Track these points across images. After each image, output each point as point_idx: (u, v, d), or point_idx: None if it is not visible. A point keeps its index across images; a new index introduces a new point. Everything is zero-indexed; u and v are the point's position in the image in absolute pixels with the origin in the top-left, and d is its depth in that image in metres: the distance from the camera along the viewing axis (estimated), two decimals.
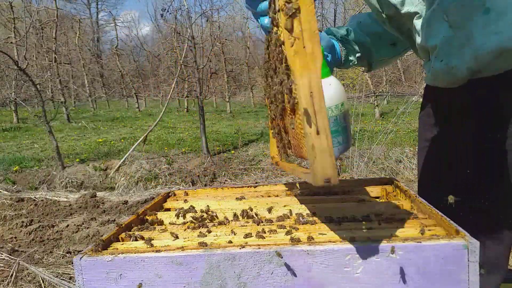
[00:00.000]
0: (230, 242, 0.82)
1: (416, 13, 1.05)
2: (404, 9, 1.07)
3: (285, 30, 0.62)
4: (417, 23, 1.06)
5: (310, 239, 0.79)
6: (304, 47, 0.62)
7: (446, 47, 1.01)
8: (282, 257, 0.73)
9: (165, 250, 0.77)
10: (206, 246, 0.79)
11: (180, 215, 1.04)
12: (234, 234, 0.87)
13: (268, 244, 0.77)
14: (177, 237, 0.86)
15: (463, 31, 0.96)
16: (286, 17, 0.62)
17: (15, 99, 10.58)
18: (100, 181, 5.69)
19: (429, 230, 0.82)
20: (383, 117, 10.72)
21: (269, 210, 1.05)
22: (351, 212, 0.99)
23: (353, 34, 1.28)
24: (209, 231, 0.90)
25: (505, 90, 0.98)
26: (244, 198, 1.18)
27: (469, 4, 0.93)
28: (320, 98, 0.61)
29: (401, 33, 1.18)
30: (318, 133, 0.60)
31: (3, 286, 2.74)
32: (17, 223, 3.89)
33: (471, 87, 1.02)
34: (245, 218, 1.01)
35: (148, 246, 0.82)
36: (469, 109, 1.07)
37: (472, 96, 1.05)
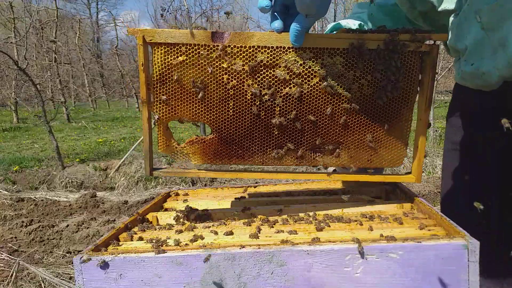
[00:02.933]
0: (229, 242, 0.82)
1: (454, 10, 0.99)
2: (442, 6, 1.02)
3: None
4: (453, 21, 1.00)
5: (310, 239, 0.79)
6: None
7: (477, 50, 0.94)
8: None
9: (165, 250, 0.77)
10: (206, 246, 0.79)
11: (180, 215, 1.04)
12: (234, 234, 0.87)
13: (268, 244, 0.77)
14: (177, 237, 0.86)
15: (497, 34, 0.88)
16: None
17: (15, 99, 10.58)
18: (100, 181, 5.69)
19: (429, 230, 0.82)
20: None
21: (269, 209, 1.05)
22: (351, 212, 0.99)
23: (365, 28, 1.24)
24: (209, 231, 0.89)
25: None
26: (244, 198, 1.18)
27: (506, 5, 0.85)
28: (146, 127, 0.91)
29: (435, 28, 1.12)
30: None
31: (3, 286, 2.74)
32: (17, 223, 3.89)
33: (504, 90, 0.94)
34: (245, 218, 1.01)
35: (148, 246, 0.82)
36: (502, 112, 0.98)
37: (504, 99, 0.97)
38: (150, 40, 0.88)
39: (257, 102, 0.91)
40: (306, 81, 0.89)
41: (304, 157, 0.96)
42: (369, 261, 0.73)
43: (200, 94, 0.90)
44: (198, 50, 0.88)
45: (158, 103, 0.93)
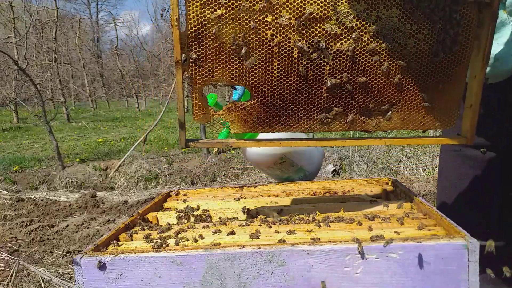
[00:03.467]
0: (229, 242, 0.82)
1: None
2: None
3: None
4: None
5: (310, 239, 0.79)
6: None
7: (495, 35, 0.88)
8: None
9: (165, 250, 0.77)
10: (206, 246, 0.79)
11: (180, 215, 1.04)
12: (234, 234, 0.87)
13: (268, 244, 0.77)
14: (177, 237, 0.86)
15: None
16: None
17: (15, 99, 10.58)
18: (100, 181, 5.68)
19: (429, 230, 0.82)
20: None
21: (270, 209, 1.05)
22: (351, 212, 0.99)
23: None
24: (209, 231, 0.89)
25: None
26: (244, 198, 1.18)
27: None
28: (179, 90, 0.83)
29: None
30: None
31: (3, 286, 2.74)
32: (17, 223, 3.89)
33: (508, 83, 0.93)
34: (245, 218, 1.01)
35: (148, 246, 0.82)
36: (504, 107, 0.98)
37: (505, 92, 0.96)
38: None
39: (304, 61, 0.83)
40: (359, 35, 0.82)
41: (354, 121, 0.89)
42: (369, 261, 0.73)
43: (243, 51, 0.81)
44: (239, 2, 0.79)
45: (193, 64, 0.84)
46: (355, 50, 0.82)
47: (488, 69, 0.94)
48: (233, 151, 7.11)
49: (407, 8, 0.81)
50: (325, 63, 0.83)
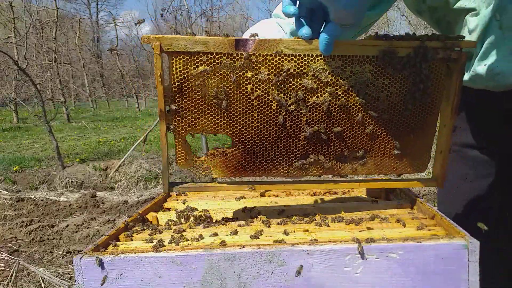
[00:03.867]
0: (229, 242, 0.82)
1: (472, 9, 0.96)
2: (458, 4, 0.98)
3: None
4: (471, 20, 0.96)
5: (310, 239, 0.79)
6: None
7: (492, 50, 0.93)
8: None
9: (165, 250, 0.77)
10: (206, 246, 0.79)
11: (180, 215, 1.04)
12: (235, 234, 0.87)
13: (268, 244, 0.77)
14: (177, 237, 0.86)
15: None
16: None
17: (15, 99, 10.58)
18: (100, 181, 5.69)
19: (429, 230, 0.82)
20: None
21: (270, 209, 1.05)
22: (351, 212, 0.99)
23: None
24: (209, 231, 0.89)
25: None
26: (244, 198, 1.18)
27: None
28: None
29: (438, 25, 1.10)
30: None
31: (3, 286, 2.74)
32: (17, 223, 3.89)
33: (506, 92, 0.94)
34: (245, 218, 1.01)
35: (148, 246, 0.82)
36: (501, 113, 1.00)
37: (503, 100, 0.97)
38: (168, 48, 0.83)
39: (283, 112, 0.88)
40: (334, 89, 0.87)
41: (330, 167, 0.95)
42: (369, 261, 0.73)
43: (224, 104, 0.86)
44: (220, 60, 0.84)
45: (176, 115, 0.88)
46: (330, 102, 0.88)
47: (491, 83, 0.97)
48: None
49: (380, 64, 0.86)
50: (302, 114, 0.89)
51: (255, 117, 0.88)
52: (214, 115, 0.88)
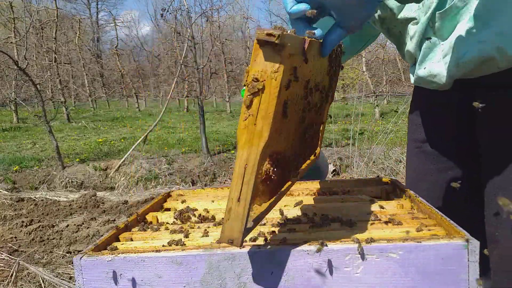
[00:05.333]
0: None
1: (413, 18, 1.04)
2: (401, 14, 1.06)
3: (244, 104, 0.65)
4: (412, 28, 1.05)
5: (310, 239, 0.79)
6: (254, 124, 0.64)
7: (429, 54, 1.02)
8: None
9: (165, 250, 0.77)
10: (206, 246, 0.79)
11: (180, 215, 1.04)
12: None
13: (268, 244, 0.77)
14: (177, 237, 0.86)
15: (447, 39, 0.97)
16: (248, 93, 0.64)
17: (15, 99, 10.58)
18: (100, 181, 5.69)
19: (429, 230, 0.82)
20: (383, 117, 10.71)
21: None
22: (351, 212, 0.99)
23: None
24: (209, 231, 0.89)
25: (481, 91, 1.00)
26: None
27: (453, 13, 0.94)
28: (252, 173, 0.65)
29: (390, 35, 1.17)
30: (239, 200, 0.66)
31: (3, 286, 2.74)
32: (17, 223, 3.89)
33: (455, 88, 1.04)
34: None
35: (148, 246, 0.82)
36: (453, 108, 1.10)
37: (454, 96, 1.07)
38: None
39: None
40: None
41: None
42: (369, 261, 0.73)
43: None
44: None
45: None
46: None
47: (432, 84, 1.05)
48: (233, 151, 7.11)
49: None
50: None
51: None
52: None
